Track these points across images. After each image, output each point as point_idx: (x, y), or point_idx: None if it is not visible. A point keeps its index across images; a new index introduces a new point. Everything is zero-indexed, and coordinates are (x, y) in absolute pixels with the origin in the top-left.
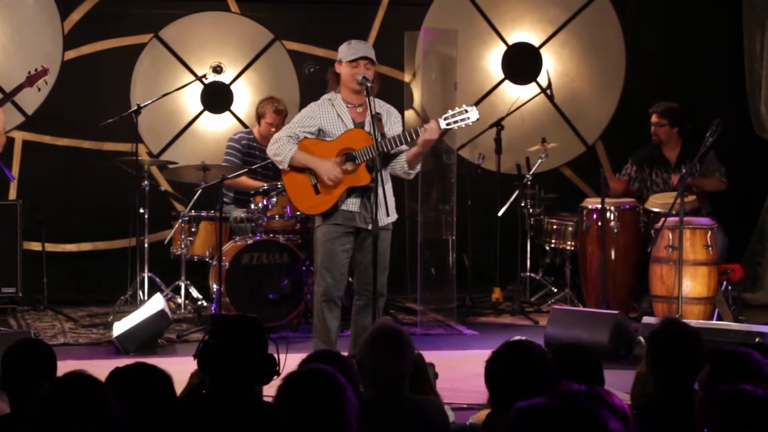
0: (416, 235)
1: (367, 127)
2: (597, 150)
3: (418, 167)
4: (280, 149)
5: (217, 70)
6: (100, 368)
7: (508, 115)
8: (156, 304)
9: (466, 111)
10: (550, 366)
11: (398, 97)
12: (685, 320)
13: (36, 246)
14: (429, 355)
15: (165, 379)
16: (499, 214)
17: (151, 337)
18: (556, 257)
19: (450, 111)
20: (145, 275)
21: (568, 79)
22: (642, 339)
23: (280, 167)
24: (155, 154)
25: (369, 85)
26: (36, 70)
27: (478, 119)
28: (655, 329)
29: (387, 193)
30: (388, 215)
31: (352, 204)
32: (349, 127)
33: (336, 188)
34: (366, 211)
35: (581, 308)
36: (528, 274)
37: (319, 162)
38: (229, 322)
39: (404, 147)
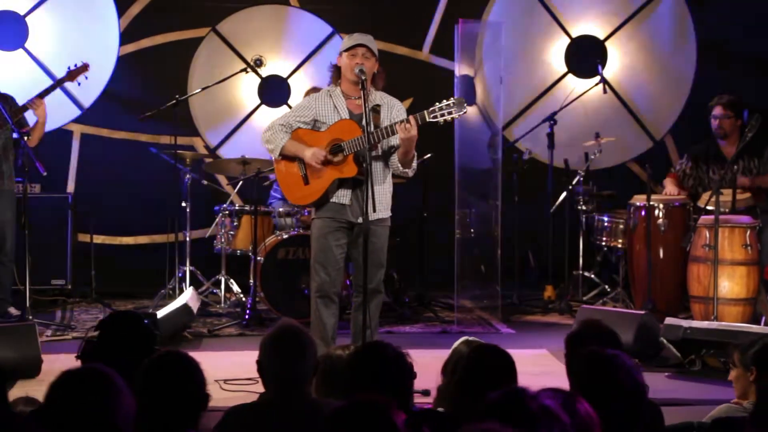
0: (465, 230)
1: (364, 120)
2: (667, 145)
3: (413, 165)
4: (273, 137)
5: (258, 63)
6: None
7: (561, 109)
8: (184, 298)
9: (454, 104)
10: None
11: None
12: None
13: (88, 238)
14: (445, 354)
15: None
16: (551, 210)
17: (175, 330)
18: (612, 255)
19: (437, 104)
20: (186, 269)
21: (634, 73)
22: (665, 341)
23: (272, 156)
24: (213, 148)
25: (363, 78)
26: (76, 65)
27: (465, 112)
28: (573, 331)
29: (379, 189)
30: (374, 211)
31: (343, 196)
32: (344, 118)
33: (324, 179)
34: (357, 205)
35: (608, 308)
36: (580, 272)
37: (305, 149)
38: (110, 320)
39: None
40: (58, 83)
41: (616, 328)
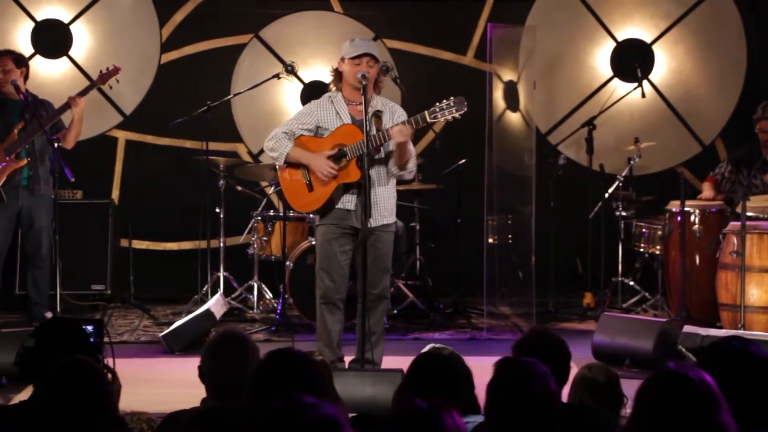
0: (503, 237)
1: (365, 124)
2: (717, 149)
3: (409, 167)
4: (277, 145)
5: (290, 69)
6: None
7: (599, 114)
8: (208, 304)
9: (454, 103)
10: None
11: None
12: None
13: (132, 244)
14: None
15: None
16: (590, 216)
17: (197, 336)
18: (654, 261)
19: (437, 103)
20: (220, 274)
21: (682, 77)
22: (683, 349)
23: (277, 163)
24: (255, 154)
25: (364, 84)
26: (108, 69)
27: (465, 110)
28: (521, 338)
29: (383, 193)
30: (370, 216)
31: (348, 202)
32: (346, 123)
33: (328, 185)
34: (362, 211)
35: (630, 315)
36: (620, 278)
37: (312, 157)
38: (46, 326)
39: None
40: (90, 87)
41: (636, 336)
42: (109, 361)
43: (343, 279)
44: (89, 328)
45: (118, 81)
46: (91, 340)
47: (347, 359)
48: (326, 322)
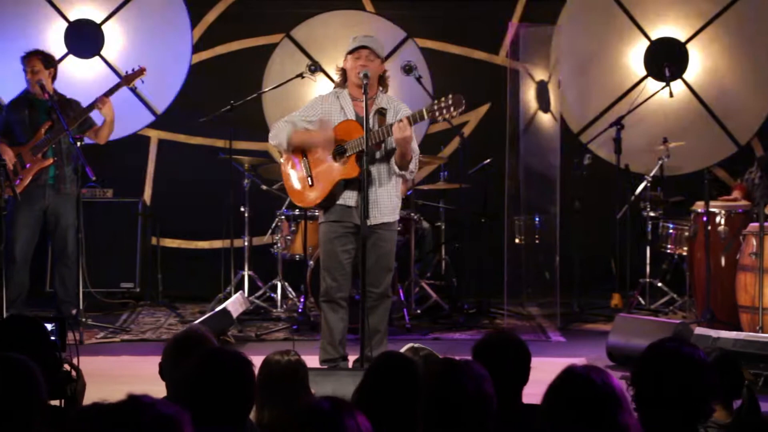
0: (530, 237)
1: (369, 121)
2: (754, 149)
3: (411, 167)
4: (278, 133)
5: (313, 69)
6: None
7: (628, 113)
8: (227, 302)
9: (452, 101)
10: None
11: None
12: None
13: (164, 243)
14: None
15: None
16: (618, 216)
17: (215, 334)
18: (683, 263)
19: (435, 102)
20: (245, 273)
21: (717, 76)
22: None
23: (281, 150)
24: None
25: (365, 82)
26: (133, 69)
27: (463, 109)
28: (479, 340)
29: (384, 192)
30: (379, 215)
31: (349, 198)
32: (349, 119)
33: (329, 180)
34: (364, 206)
35: (645, 317)
36: (647, 280)
37: (312, 134)
38: (3, 324)
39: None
40: (114, 88)
41: (650, 337)
42: (75, 360)
43: (345, 277)
44: (49, 325)
45: (143, 81)
46: (52, 338)
47: (351, 358)
48: (328, 321)
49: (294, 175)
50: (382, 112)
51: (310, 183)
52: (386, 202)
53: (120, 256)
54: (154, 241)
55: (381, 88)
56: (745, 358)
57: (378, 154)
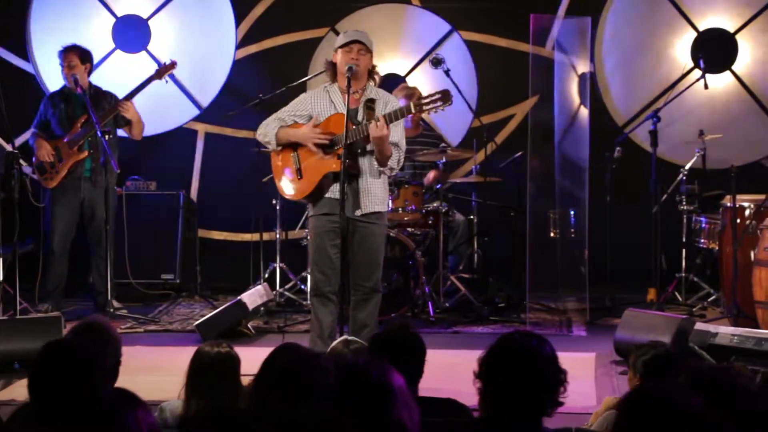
0: (566, 231)
1: (360, 114)
2: None
3: (391, 163)
4: (266, 130)
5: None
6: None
7: (664, 105)
8: (245, 294)
9: (439, 96)
10: None
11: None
12: None
13: (209, 234)
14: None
15: None
16: (653, 210)
17: (230, 325)
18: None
19: (421, 97)
20: (277, 266)
21: (767, 67)
22: (696, 347)
23: (270, 147)
24: None
25: (349, 75)
26: (164, 63)
27: (451, 104)
28: (376, 334)
29: (374, 183)
30: (370, 204)
31: (338, 191)
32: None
33: (317, 173)
34: (352, 199)
35: (651, 311)
36: (682, 274)
37: (299, 132)
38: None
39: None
40: (147, 81)
41: (656, 332)
42: None
43: (333, 272)
44: None
45: (174, 75)
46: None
47: None
48: (318, 314)
49: (283, 168)
50: (370, 105)
51: (299, 176)
52: (376, 191)
53: (161, 248)
54: (201, 233)
55: (371, 81)
56: (743, 354)
57: (369, 147)
